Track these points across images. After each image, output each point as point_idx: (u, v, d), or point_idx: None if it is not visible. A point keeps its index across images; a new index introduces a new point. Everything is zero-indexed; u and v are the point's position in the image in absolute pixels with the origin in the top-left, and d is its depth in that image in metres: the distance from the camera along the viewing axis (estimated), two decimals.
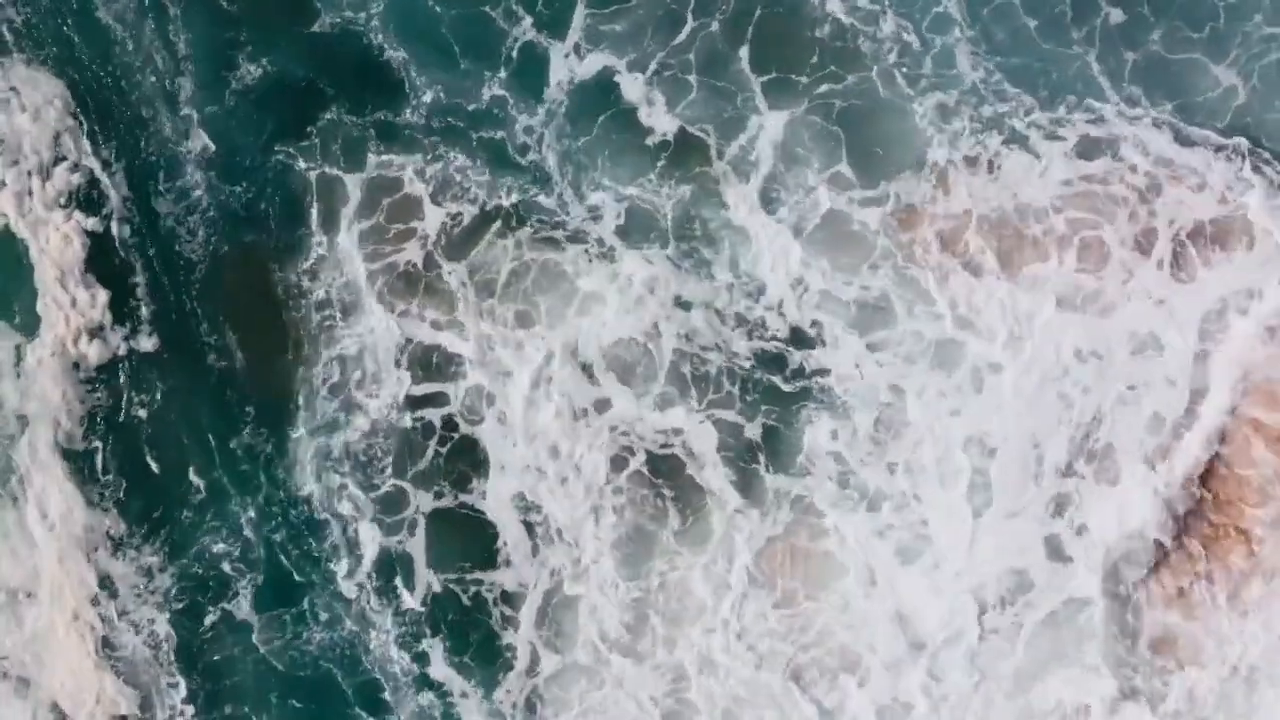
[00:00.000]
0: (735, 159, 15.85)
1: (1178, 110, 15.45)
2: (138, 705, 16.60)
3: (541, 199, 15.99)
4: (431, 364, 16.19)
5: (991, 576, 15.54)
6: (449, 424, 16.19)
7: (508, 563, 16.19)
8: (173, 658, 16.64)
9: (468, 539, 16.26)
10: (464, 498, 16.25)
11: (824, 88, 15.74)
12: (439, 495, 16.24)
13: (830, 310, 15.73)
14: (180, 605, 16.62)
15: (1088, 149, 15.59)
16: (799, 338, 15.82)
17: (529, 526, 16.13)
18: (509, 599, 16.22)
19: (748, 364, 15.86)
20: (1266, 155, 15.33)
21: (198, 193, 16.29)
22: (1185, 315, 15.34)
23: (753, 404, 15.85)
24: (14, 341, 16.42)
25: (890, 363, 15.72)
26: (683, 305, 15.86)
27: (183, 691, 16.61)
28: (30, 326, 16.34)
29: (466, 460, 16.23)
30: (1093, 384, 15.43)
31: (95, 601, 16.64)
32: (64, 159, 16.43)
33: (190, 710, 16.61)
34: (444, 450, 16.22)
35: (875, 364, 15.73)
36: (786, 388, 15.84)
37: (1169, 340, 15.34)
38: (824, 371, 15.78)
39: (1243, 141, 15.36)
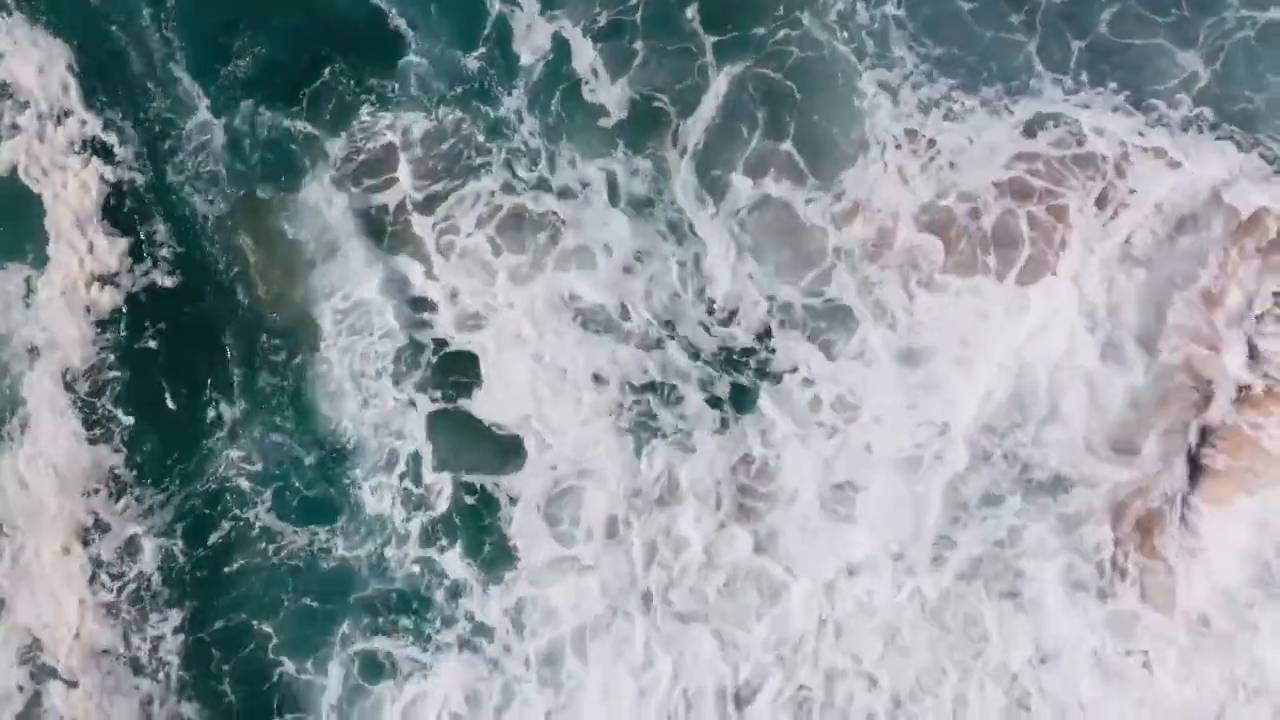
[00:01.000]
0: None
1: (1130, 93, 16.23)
2: (121, 639, 16.69)
3: (522, 164, 16.78)
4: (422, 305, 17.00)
5: None
6: (442, 343, 16.93)
7: (514, 466, 16.84)
8: (165, 589, 16.79)
9: (471, 443, 16.91)
10: (464, 403, 16.91)
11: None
12: (443, 399, 16.89)
13: (776, 310, 16.63)
14: (179, 534, 16.83)
15: (1034, 130, 16.25)
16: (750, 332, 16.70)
17: (528, 430, 16.83)
18: (514, 500, 16.87)
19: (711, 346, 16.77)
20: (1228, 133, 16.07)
21: (204, 145, 16.85)
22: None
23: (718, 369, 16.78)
24: (24, 275, 16.67)
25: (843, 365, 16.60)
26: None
27: (173, 622, 16.78)
28: (41, 263, 16.61)
29: (466, 370, 16.91)
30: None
31: (87, 538, 16.68)
32: (71, 113, 16.68)
33: (181, 639, 16.84)
34: (438, 361, 16.93)
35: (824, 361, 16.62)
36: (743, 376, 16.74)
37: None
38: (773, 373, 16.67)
39: (1203, 118, 16.08)
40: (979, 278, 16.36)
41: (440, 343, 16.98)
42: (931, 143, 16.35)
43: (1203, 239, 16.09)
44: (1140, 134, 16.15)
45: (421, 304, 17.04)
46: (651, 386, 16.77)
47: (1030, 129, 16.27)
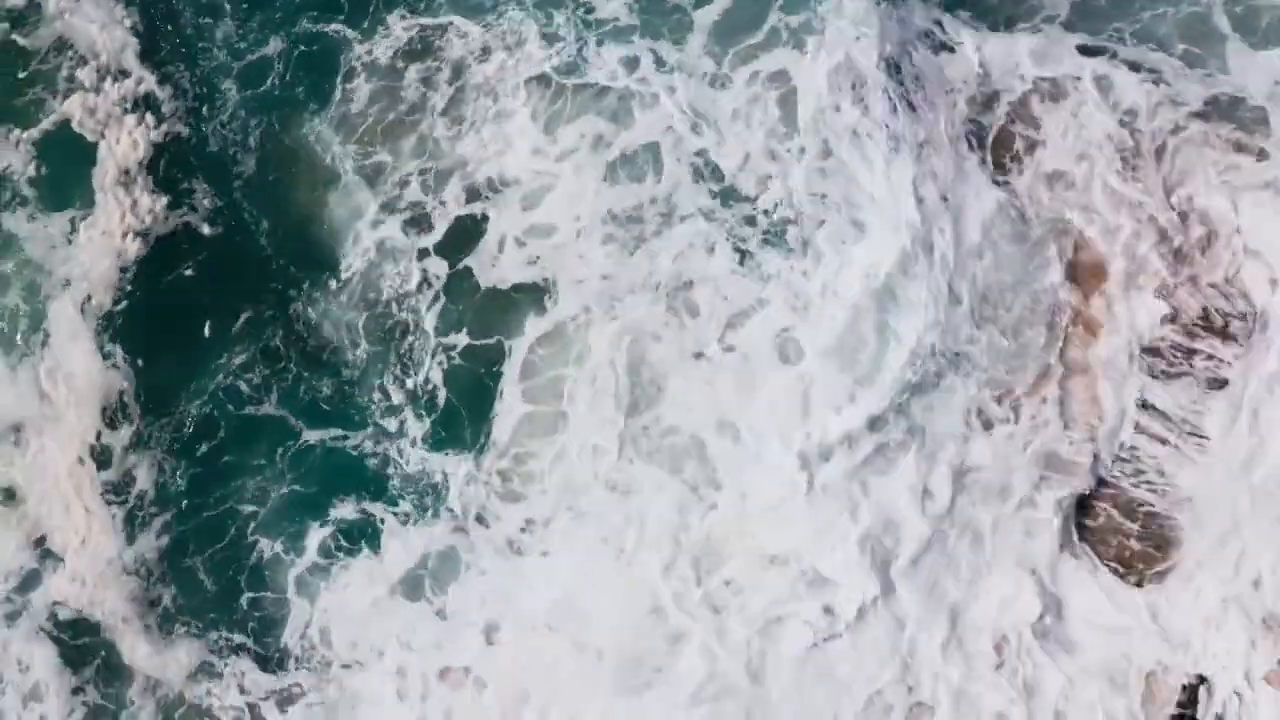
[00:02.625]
0: None
1: None
2: (121, 547, 17.95)
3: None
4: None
5: None
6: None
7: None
8: (161, 498, 18.08)
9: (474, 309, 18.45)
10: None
11: None
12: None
13: None
14: (178, 446, 18.20)
15: None
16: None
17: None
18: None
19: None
20: None
21: (242, 103, 18.42)
22: None
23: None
24: (70, 218, 18.08)
25: None
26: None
27: (165, 522, 18.15)
28: (89, 208, 18.07)
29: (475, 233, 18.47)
30: None
31: (98, 455, 17.98)
32: (128, 72, 18.10)
33: (168, 537, 18.17)
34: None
35: None
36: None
37: None
38: None
39: None
40: None
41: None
42: None
43: None
44: None
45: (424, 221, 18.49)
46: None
47: None
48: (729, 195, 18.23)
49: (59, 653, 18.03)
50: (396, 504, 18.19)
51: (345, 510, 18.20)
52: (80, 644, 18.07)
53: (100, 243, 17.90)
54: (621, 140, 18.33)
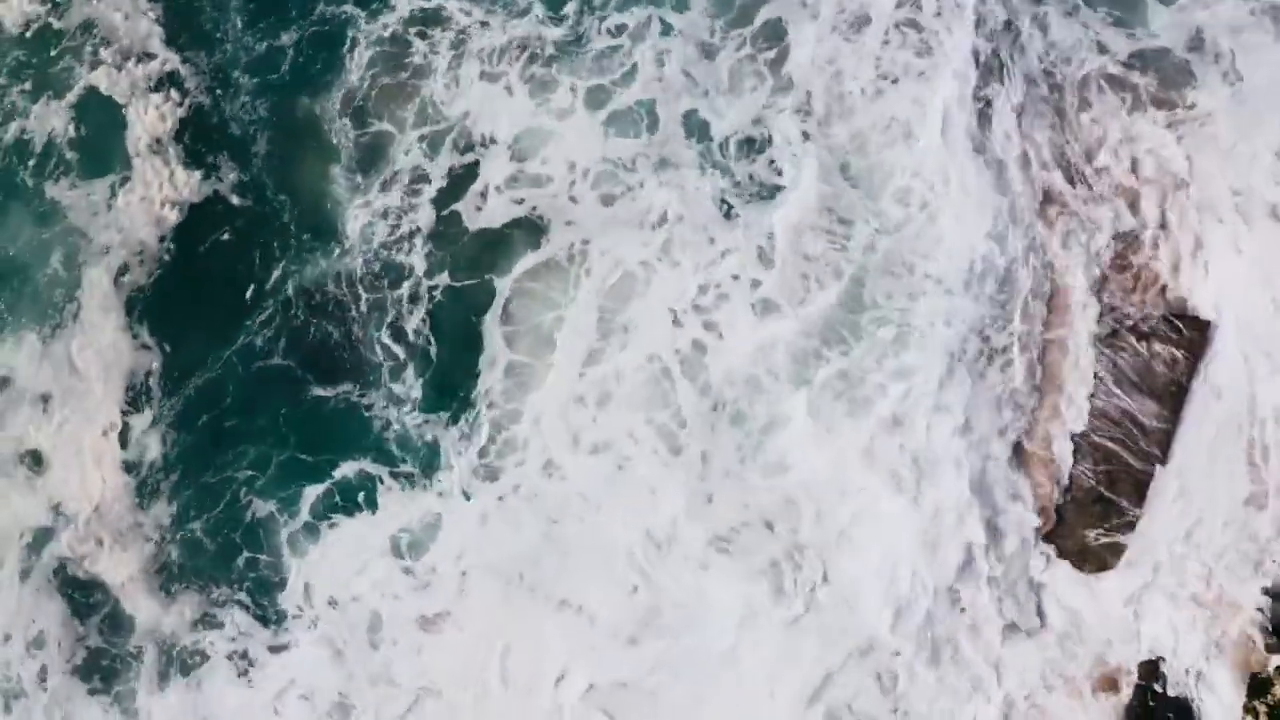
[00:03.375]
0: None
1: None
2: (132, 516, 18.87)
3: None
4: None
5: None
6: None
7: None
8: (169, 467, 18.85)
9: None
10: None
11: None
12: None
13: None
14: (189, 417, 19.00)
15: None
16: None
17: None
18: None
19: None
20: None
21: (256, 82, 19.58)
22: None
23: None
24: (110, 183, 19.11)
25: None
26: None
27: (172, 486, 18.95)
28: (127, 176, 19.15)
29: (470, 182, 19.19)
30: None
31: (121, 427, 18.83)
32: (153, 55, 19.40)
33: (175, 502, 18.95)
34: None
35: None
36: None
37: None
38: None
39: None
40: None
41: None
42: None
43: None
44: None
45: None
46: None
47: None
48: (721, 149, 19.15)
49: (67, 607, 18.86)
50: (390, 465, 18.87)
51: (341, 472, 18.90)
52: (89, 600, 18.93)
53: (139, 209, 18.91)
54: (618, 99, 19.26)
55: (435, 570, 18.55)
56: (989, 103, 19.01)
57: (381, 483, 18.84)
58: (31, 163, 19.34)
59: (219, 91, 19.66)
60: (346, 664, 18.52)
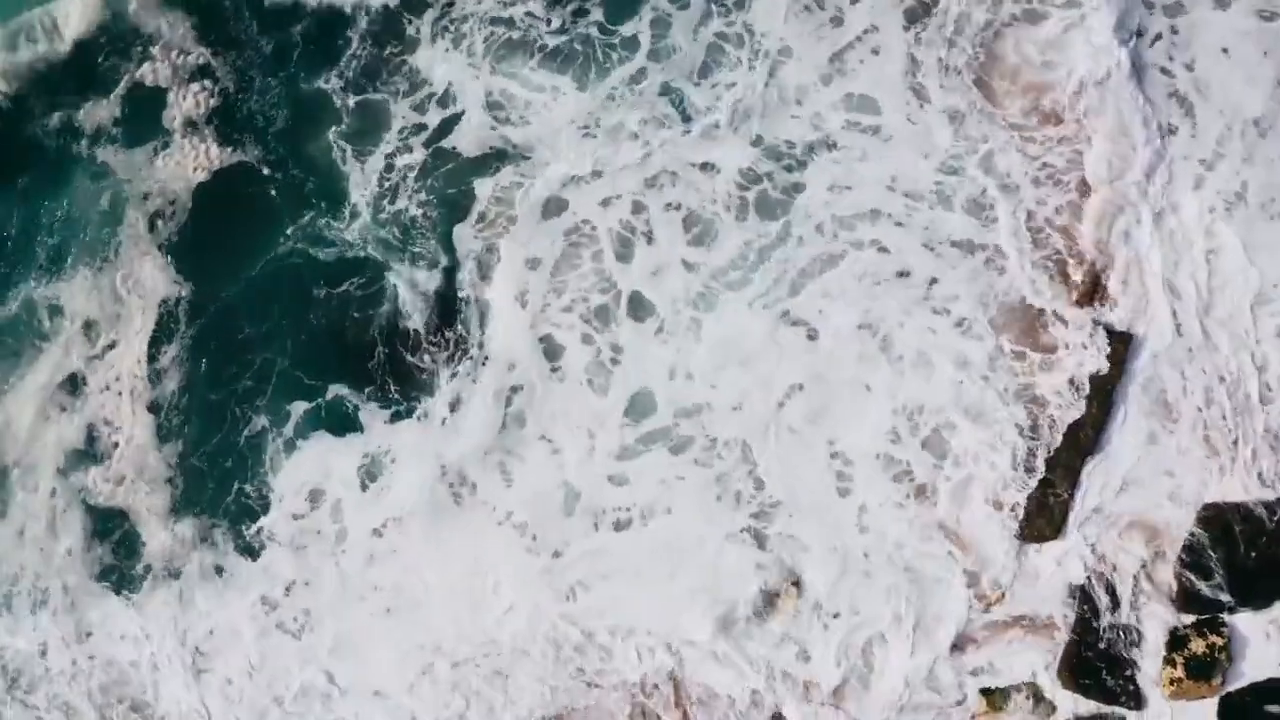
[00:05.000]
0: None
1: None
2: (164, 452, 20.99)
3: None
4: None
5: None
6: None
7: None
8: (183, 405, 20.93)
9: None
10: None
11: None
12: None
13: None
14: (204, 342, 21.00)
15: None
16: None
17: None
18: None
19: None
20: None
21: (273, 71, 21.63)
22: None
23: None
24: (152, 146, 21.46)
25: None
26: None
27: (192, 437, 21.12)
28: (167, 145, 21.53)
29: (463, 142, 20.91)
30: None
31: (153, 360, 20.87)
32: (189, 52, 21.58)
33: (180, 442, 21.15)
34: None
35: None
36: None
37: None
38: None
39: None
40: None
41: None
42: None
43: None
44: None
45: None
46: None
47: None
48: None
49: (87, 526, 21.16)
50: (375, 388, 20.78)
51: (331, 394, 20.82)
52: (107, 525, 21.16)
53: (174, 169, 21.17)
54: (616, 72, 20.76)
55: (400, 481, 20.47)
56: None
57: (365, 405, 20.74)
58: (85, 138, 21.75)
59: (243, 80, 21.83)
60: (316, 573, 20.56)
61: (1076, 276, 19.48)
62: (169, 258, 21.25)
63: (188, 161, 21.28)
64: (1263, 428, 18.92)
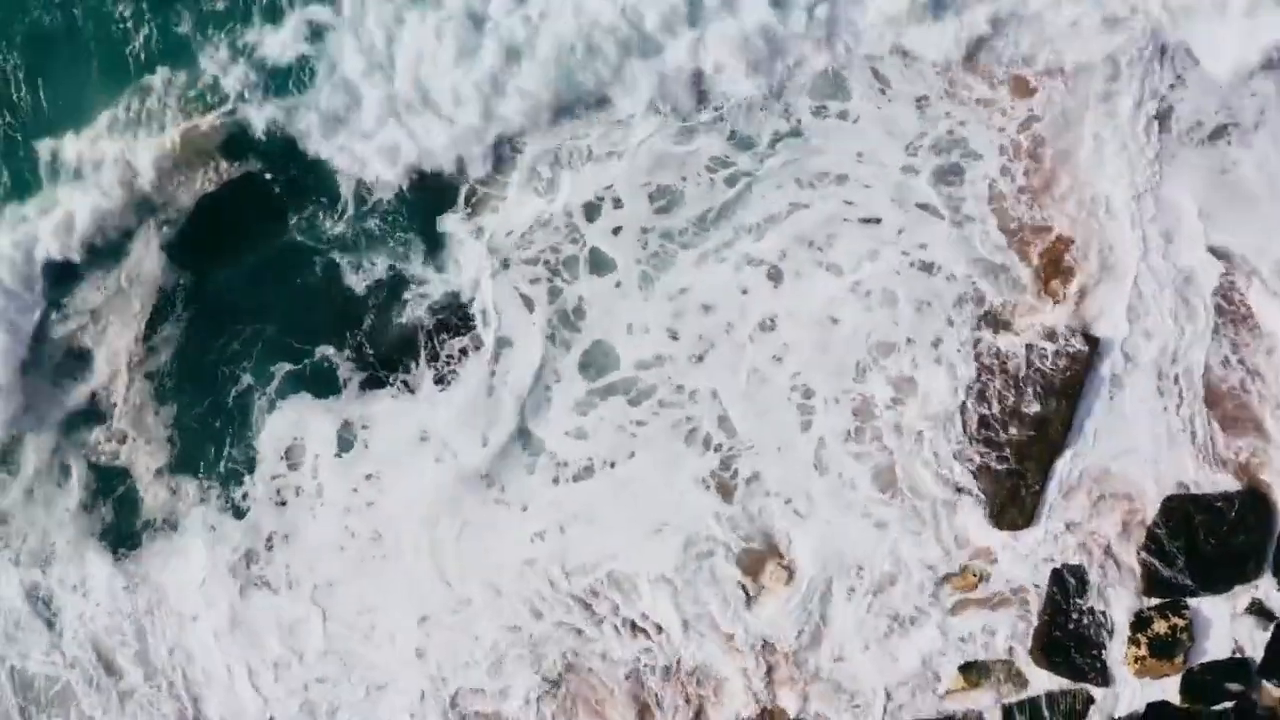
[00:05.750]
0: None
1: None
2: (162, 416, 21.71)
3: None
4: None
5: None
6: None
7: None
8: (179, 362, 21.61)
9: None
10: None
11: None
12: None
13: None
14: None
15: None
16: None
17: None
18: None
19: None
20: None
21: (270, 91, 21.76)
22: None
23: None
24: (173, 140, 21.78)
25: None
26: None
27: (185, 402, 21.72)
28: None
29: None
30: None
31: (149, 337, 21.73)
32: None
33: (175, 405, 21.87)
34: None
35: None
36: None
37: None
38: None
39: None
40: None
41: None
42: None
43: None
44: None
45: None
46: None
47: None
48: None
49: (86, 483, 21.93)
50: (359, 352, 21.50)
51: (317, 356, 21.50)
52: (104, 484, 21.91)
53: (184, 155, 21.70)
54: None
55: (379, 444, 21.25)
56: None
57: (345, 367, 21.49)
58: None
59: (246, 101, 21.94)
60: (298, 527, 21.38)
61: (1036, 258, 20.17)
62: (168, 250, 22.00)
63: (196, 176, 22.09)
64: (1221, 413, 19.43)
